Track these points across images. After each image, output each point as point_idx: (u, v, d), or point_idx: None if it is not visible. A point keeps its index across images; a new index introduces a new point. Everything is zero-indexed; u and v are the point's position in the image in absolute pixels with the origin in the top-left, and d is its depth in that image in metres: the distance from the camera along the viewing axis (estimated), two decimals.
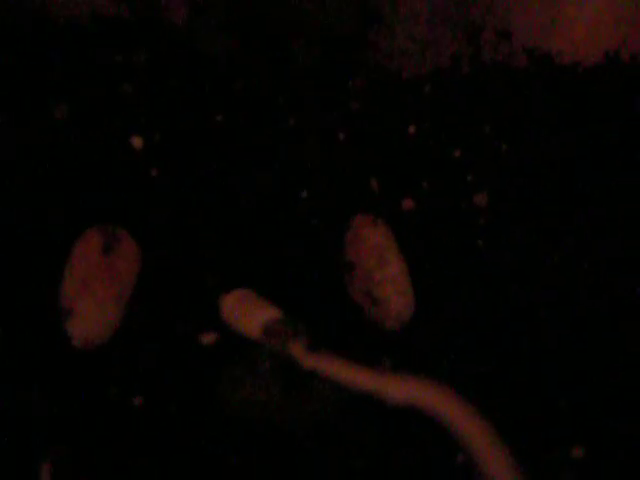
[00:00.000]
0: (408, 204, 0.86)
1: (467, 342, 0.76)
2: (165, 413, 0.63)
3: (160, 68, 0.87)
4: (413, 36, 0.96)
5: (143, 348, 0.69)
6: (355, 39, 0.95)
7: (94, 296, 0.70)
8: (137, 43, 0.88)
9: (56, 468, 0.58)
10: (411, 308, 0.76)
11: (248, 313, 0.67)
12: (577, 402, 0.69)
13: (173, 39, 0.89)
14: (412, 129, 0.92)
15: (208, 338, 0.69)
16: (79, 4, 0.89)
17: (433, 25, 0.95)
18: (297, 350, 0.60)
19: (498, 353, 0.76)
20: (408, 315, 0.75)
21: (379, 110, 0.93)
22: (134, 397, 0.65)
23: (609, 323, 0.76)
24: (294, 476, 0.59)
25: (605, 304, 0.79)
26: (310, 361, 0.60)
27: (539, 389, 0.71)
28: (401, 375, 0.60)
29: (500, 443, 0.49)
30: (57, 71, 0.85)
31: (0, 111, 0.81)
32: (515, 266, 0.82)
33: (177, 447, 0.60)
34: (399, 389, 0.54)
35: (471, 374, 0.71)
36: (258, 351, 0.64)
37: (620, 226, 0.83)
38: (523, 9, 0.95)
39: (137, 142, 0.81)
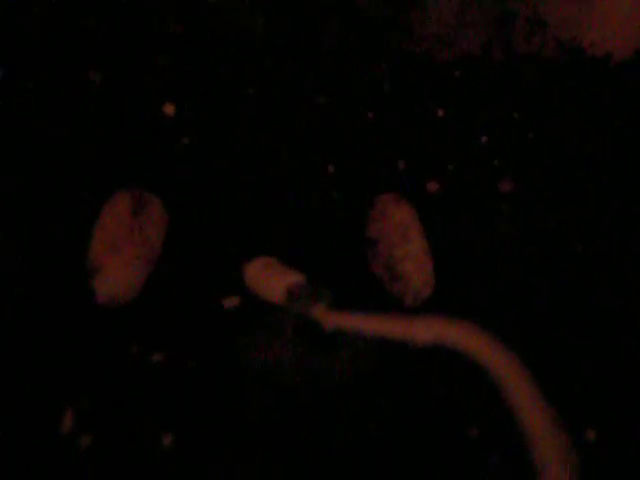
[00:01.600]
0: (433, 186, 0.87)
1: (483, 325, 0.76)
2: (184, 370, 0.64)
3: (194, 41, 0.88)
4: (445, 21, 0.96)
5: (165, 309, 0.70)
6: (388, 22, 0.95)
7: (121, 256, 0.71)
8: (173, 14, 0.90)
9: (77, 415, 0.59)
10: (431, 286, 0.76)
11: (271, 278, 0.68)
12: (590, 386, 0.69)
13: (207, 15, 0.91)
14: (441, 112, 0.92)
15: (231, 302, 0.70)
16: None
17: (466, 12, 0.96)
18: (320, 311, 0.61)
19: (514, 337, 0.76)
20: (427, 292, 0.76)
21: (409, 92, 0.93)
22: (154, 354, 0.65)
23: (627, 312, 0.76)
24: (313, 436, 0.60)
25: (625, 294, 0.78)
26: (333, 320, 0.60)
27: (553, 373, 0.71)
28: (425, 316, 0.61)
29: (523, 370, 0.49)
30: (93, 39, 0.86)
31: (38, 73, 0.82)
32: (537, 252, 0.82)
33: (194, 404, 0.61)
34: (427, 329, 0.54)
35: None
36: (280, 314, 0.65)
37: None
38: (558, 2, 0.95)
39: (169, 109, 0.82)
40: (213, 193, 0.80)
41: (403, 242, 0.77)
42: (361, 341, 0.63)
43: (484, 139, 0.91)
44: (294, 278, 0.66)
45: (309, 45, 0.92)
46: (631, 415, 0.67)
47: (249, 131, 0.85)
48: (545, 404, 0.46)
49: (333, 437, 0.59)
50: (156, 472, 0.56)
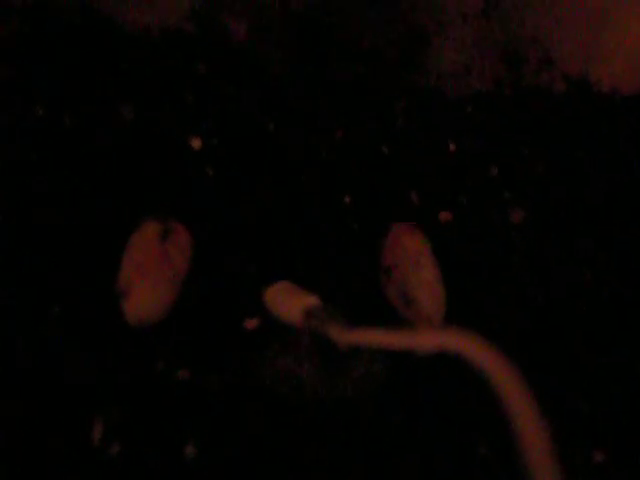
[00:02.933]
0: (446, 216, 0.90)
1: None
2: (208, 386, 0.67)
3: (220, 78, 0.94)
4: (457, 59, 1.01)
5: (191, 329, 0.74)
6: (402, 60, 1.01)
7: (149, 279, 0.75)
8: (200, 55, 0.96)
9: (106, 426, 0.63)
10: (442, 312, 0.80)
11: (290, 301, 0.72)
12: (598, 407, 0.71)
13: (233, 53, 0.97)
14: (453, 146, 0.97)
15: (252, 323, 0.74)
16: (149, 16, 0.97)
17: (478, 50, 1.00)
18: (335, 331, 0.64)
19: (524, 363, 0.78)
20: (438, 318, 0.79)
21: (422, 127, 0.98)
22: (180, 370, 0.69)
23: (633, 342, 0.78)
24: (326, 449, 0.63)
25: (634, 322, 0.81)
26: (347, 338, 0.64)
27: (562, 393, 0.73)
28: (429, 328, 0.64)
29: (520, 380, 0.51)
30: (126, 77, 0.93)
31: (75, 108, 0.88)
32: (547, 283, 0.85)
33: (217, 418, 0.65)
34: (429, 337, 0.58)
35: None
36: (298, 334, 0.68)
37: None
38: (566, 38, 1.00)
39: (196, 143, 0.88)
40: (235, 221, 0.84)
41: (416, 270, 0.81)
42: (375, 359, 0.67)
43: (494, 171, 0.95)
44: (311, 300, 0.70)
45: (327, 83, 0.98)
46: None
47: (270, 163, 0.90)
48: (541, 420, 0.49)
49: (347, 453, 0.62)
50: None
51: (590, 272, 0.85)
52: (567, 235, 0.89)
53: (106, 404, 0.65)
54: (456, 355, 0.53)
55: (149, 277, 0.76)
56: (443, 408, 0.69)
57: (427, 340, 0.58)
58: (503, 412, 0.50)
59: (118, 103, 0.91)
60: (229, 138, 0.90)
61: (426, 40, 1.00)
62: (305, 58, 0.99)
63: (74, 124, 0.89)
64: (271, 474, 0.61)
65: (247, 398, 0.66)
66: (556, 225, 0.90)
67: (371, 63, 1.00)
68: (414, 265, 0.81)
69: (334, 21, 0.99)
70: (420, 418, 0.67)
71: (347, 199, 0.89)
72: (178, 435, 0.62)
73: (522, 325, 0.82)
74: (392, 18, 1.00)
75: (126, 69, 0.93)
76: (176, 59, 0.94)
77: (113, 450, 0.61)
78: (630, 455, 0.67)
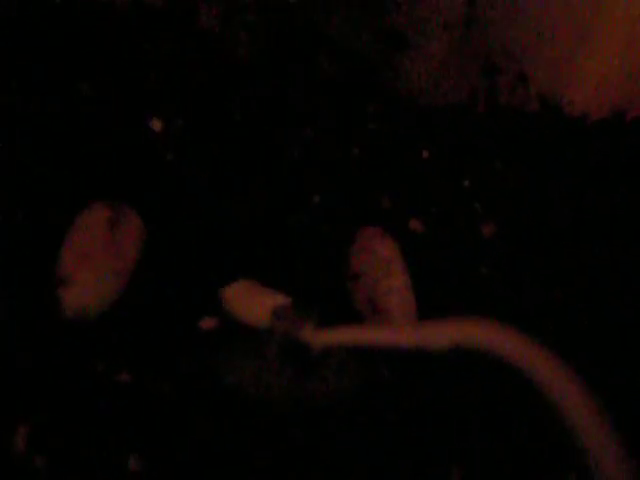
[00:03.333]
0: (416, 224, 0.87)
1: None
2: (155, 391, 0.59)
3: (187, 59, 0.87)
4: (434, 68, 0.99)
5: (136, 327, 0.66)
6: (378, 63, 0.97)
7: (93, 268, 0.67)
8: (167, 35, 0.89)
9: (32, 434, 0.54)
10: (413, 321, 0.75)
11: (255, 300, 0.65)
12: None
13: (202, 34, 0.91)
14: (425, 154, 0.93)
15: (208, 323, 0.66)
16: None
17: (455, 60, 0.98)
18: (307, 332, 0.58)
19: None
20: None
21: (395, 132, 0.94)
22: (121, 373, 0.61)
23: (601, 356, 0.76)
24: (297, 461, 0.56)
25: (605, 345, 0.78)
26: (322, 339, 0.58)
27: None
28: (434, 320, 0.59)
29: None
30: (85, 50, 0.85)
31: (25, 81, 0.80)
32: (517, 297, 0.82)
33: (166, 425, 0.57)
34: (440, 332, 0.52)
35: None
36: (265, 336, 0.62)
37: (626, 267, 0.84)
38: (541, 57, 0.99)
39: (157, 125, 0.81)
40: (195, 212, 0.77)
41: (386, 276, 0.76)
42: (349, 361, 0.61)
43: (467, 183, 0.92)
44: (279, 299, 0.64)
45: (299, 76, 0.93)
46: None
47: (234, 154, 0.84)
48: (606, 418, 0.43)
49: (319, 459, 0.56)
50: None
51: (559, 288, 0.83)
52: (537, 250, 0.87)
53: (33, 408, 0.56)
54: (461, 349, 0.48)
55: (92, 266, 0.67)
56: (414, 423, 0.64)
57: (435, 335, 0.52)
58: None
59: (75, 78, 0.83)
60: (192, 124, 0.83)
61: (404, 45, 0.97)
62: (277, 49, 0.94)
63: (24, 97, 0.80)
64: None
65: (199, 404, 0.58)
66: (527, 240, 0.88)
67: (345, 62, 0.96)
68: (384, 272, 0.76)
69: (312, 15, 0.95)
70: (389, 433, 0.62)
71: (316, 199, 0.83)
72: (120, 446, 0.54)
73: None
74: (371, 20, 0.96)
75: (85, 41, 0.85)
76: (141, 34, 0.86)
77: (39, 462, 0.52)
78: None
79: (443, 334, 0.52)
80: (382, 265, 0.77)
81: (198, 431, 0.55)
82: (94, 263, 0.67)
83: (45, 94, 0.79)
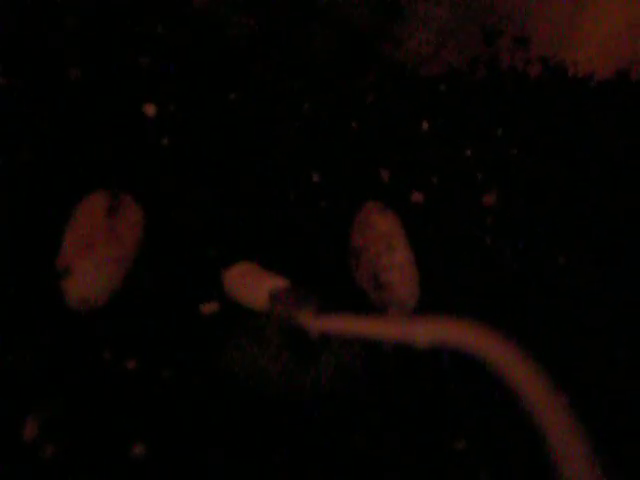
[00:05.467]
0: (417, 197, 0.86)
1: None
2: (159, 378, 0.60)
3: (179, 43, 0.86)
4: (432, 36, 0.96)
5: (140, 314, 0.66)
6: (374, 32, 0.95)
7: (94, 257, 0.67)
8: (158, 18, 0.88)
9: (41, 422, 0.55)
10: (415, 296, 0.75)
11: (254, 283, 0.65)
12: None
13: (193, 17, 0.89)
14: (425, 125, 0.92)
15: (209, 308, 0.67)
16: None
17: (454, 26, 0.96)
18: (305, 316, 0.58)
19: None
20: (412, 303, 0.74)
21: (393, 103, 0.93)
22: (128, 360, 0.62)
23: (611, 323, 0.76)
24: (298, 445, 0.57)
25: (605, 305, 0.78)
26: (320, 324, 0.58)
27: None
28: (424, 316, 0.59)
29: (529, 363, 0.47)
30: (75, 35, 0.84)
31: (17, 67, 0.79)
32: (520, 265, 0.82)
33: (171, 412, 0.58)
34: (427, 329, 0.52)
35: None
36: (263, 320, 0.62)
37: (628, 231, 0.83)
38: (542, 18, 0.96)
39: (150, 110, 0.80)
40: (193, 196, 0.77)
41: (388, 251, 0.75)
42: (347, 347, 0.61)
43: (468, 152, 0.91)
44: (278, 282, 0.64)
45: (295, 51, 0.91)
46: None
47: (231, 137, 0.83)
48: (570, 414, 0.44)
49: (316, 446, 0.56)
50: None
51: (563, 255, 0.82)
52: (540, 217, 0.85)
53: (41, 398, 0.57)
54: (455, 349, 0.48)
55: (93, 255, 0.67)
56: (421, 402, 0.64)
57: (417, 331, 0.52)
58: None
59: (66, 64, 0.82)
60: (187, 107, 0.83)
61: (400, 13, 0.95)
62: (271, 25, 0.92)
63: (14, 83, 0.79)
64: (231, 474, 0.55)
65: (204, 390, 0.59)
66: (529, 208, 0.86)
67: (341, 33, 0.94)
68: (385, 247, 0.76)
69: None
70: (396, 412, 0.62)
71: (316, 177, 0.83)
72: (125, 433, 0.55)
73: (496, 307, 0.78)
74: None
75: (75, 25, 0.84)
76: (132, 17, 0.85)
77: (47, 451, 0.53)
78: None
79: (427, 332, 0.52)
80: (383, 240, 0.76)
81: (198, 417, 0.56)
82: (95, 252, 0.68)
83: (36, 81, 0.78)
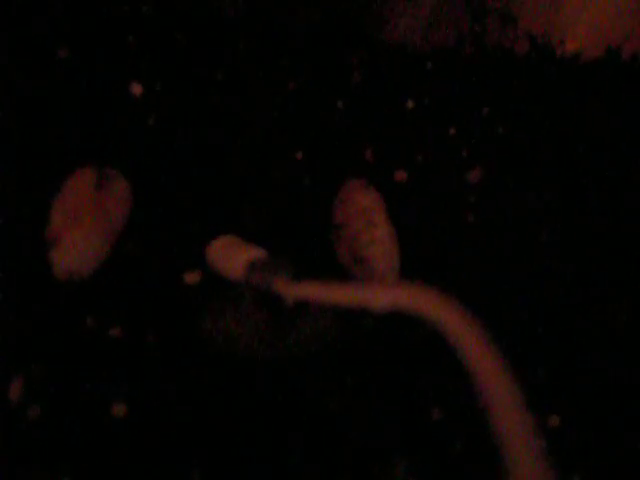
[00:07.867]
0: (401, 175, 0.87)
1: None
2: (143, 344, 0.63)
3: (167, 20, 0.87)
4: (419, 13, 0.97)
5: (125, 284, 0.69)
6: (359, 10, 0.96)
7: (81, 229, 0.70)
8: None
9: (27, 384, 0.58)
10: (395, 272, 0.76)
11: (233, 254, 0.67)
12: (555, 372, 0.70)
13: None
14: (410, 104, 0.93)
15: (192, 277, 0.69)
16: None
17: (440, 4, 0.96)
18: (281, 284, 0.60)
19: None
20: (392, 278, 0.76)
21: (379, 82, 0.94)
22: (112, 328, 0.64)
23: (590, 300, 0.77)
24: (276, 409, 0.59)
25: (589, 284, 0.79)
26: (294, 292, 0.60)
27: (519, 360, 0.71)
28: (384, 284, 0.61)
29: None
30: (63, 14, 0.85)
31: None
32: (502, 242, 0.83)
33: (151, 376, 0.60)
34: (384, 295, 0.54)
35: None
36: (242, 288, 0.64)
37: (610, 209, 0.84)
38: None
39: (136, 89, 0.82)
40: (178, 173, 0.79)
41: (369, 228, 0.77)
42: (323, 313, 0.63)
43: (452, 131, 0.92)
44: (255, 253, 0.66)
45: (281, 30, 0.92)
46: (593, 401, 0.68)
47: (217, 114, 0.84)
48: (508, 374, 0.45)
49: (292, 411, 0.58)
50: (107, 442, 0.55)
51: (546, 232, 0.83)
52: (524, 195, 0.87)
53: (27, 361, 0.60)
54: (412, 314, 0.50)
55: (81, 226, 0.70)
56: (395, 369, 0.66)
57: (382, 297, 0.54)
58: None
59: (54, 43, 0.84)
60: (173, 85, 0.84)
61: None
62: (259, 3, 0.93)
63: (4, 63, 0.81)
64: (208, 436, 0.57)
65: (184, 355, 0.62)
66: (513, 186, 0.88)
67: (327, 11, 0.94)
68: (366, 223, 0.77)
69: None
70: (370, 379, 0.64)
71: (299, 154, 0.84)
72: (107, 395, 0.57)
73: (478, 285, 0.79)
74: None
75: (62, 5, 0.85)
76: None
77: (33, 412, 0.56)
78: (584, 419, 0.66)
79: (384, 298, 0.54)
80: (364, 216, 0.78)
81: (178, 382, 0.58)
82: (82, 224, 0.70)
83: (25, 60, 0.80)
